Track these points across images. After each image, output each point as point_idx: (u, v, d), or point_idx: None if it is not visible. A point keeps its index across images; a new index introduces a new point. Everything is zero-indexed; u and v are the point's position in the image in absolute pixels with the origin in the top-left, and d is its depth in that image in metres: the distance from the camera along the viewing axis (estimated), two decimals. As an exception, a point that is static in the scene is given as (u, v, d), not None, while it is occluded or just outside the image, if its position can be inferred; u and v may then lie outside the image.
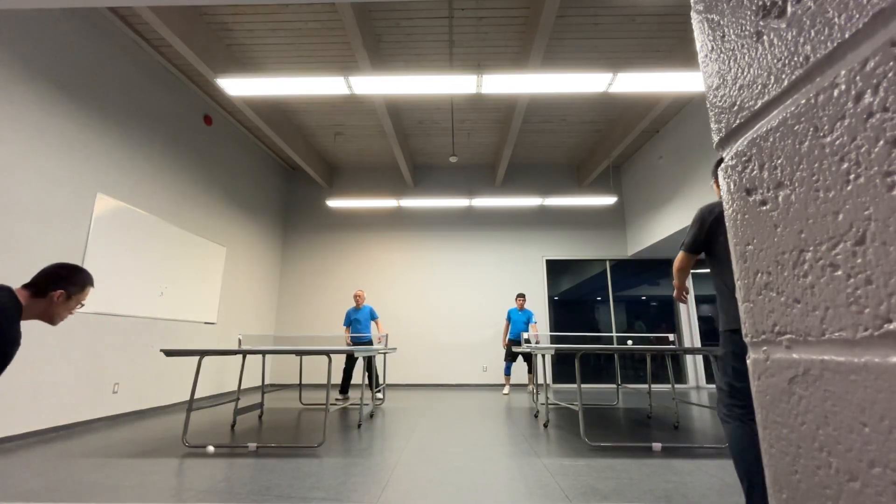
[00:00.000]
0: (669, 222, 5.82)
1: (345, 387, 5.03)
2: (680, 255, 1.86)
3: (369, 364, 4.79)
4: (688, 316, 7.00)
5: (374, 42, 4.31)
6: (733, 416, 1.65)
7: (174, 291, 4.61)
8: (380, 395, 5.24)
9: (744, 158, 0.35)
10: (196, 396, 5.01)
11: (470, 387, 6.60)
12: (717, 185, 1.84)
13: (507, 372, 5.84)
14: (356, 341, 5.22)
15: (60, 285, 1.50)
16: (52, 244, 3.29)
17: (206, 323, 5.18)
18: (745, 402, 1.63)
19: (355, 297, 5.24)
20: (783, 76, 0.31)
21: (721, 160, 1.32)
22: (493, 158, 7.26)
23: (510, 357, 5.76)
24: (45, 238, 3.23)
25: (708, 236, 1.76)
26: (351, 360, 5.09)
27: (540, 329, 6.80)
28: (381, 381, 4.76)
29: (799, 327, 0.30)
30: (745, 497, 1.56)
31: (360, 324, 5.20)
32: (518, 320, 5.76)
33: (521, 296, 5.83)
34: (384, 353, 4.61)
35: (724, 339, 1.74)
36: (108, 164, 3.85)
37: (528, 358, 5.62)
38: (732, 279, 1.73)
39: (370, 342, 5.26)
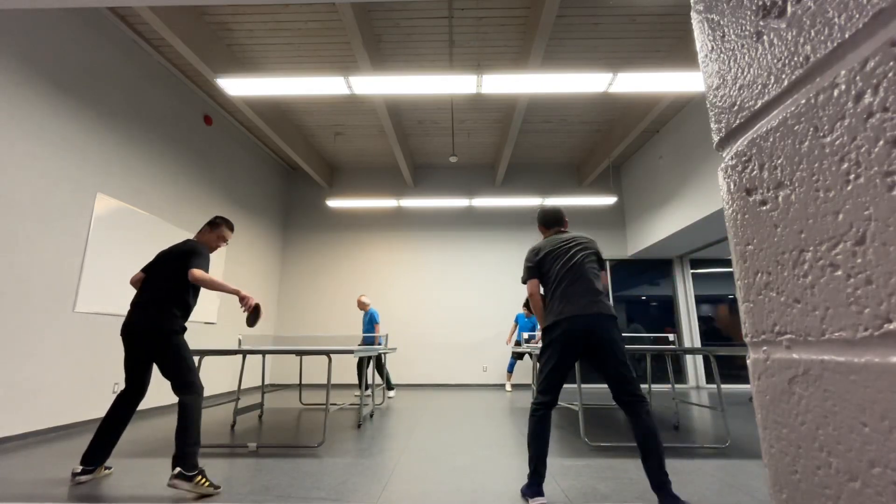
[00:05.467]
0: (669, 222, 5.82)
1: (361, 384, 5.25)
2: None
3: (378, 364, 5.03)
4: (688, 316, 7.00)
5: (374, 42, 4.31)
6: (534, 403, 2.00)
7: (174, 291, 4.61)
8: (391, 395, 5.39)
9: (744, 158, 0.35)
10: (196, 396, 5.01)
11: (470, 387, 6.60)
12: (542, 229, 2.33)
13: (510, 369, 6.13)
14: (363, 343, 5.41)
15: (212, 226, 2.47)
16: (52, 244, 3.29)
17: (206, 323, 5.18)
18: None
19: (357, 303, 5.37)
20: (783, 76, 0.31)
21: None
22: (493, 158, 7.26)
23: (518, 356, 6.06)
24: (45, 238, 3.23)
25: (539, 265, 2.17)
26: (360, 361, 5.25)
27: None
28: (370, 381, 5.00)
29: (799, 327, 0.30)
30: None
31: (365, 327, 5.37)
32: (524, 326, 6.05)
33: (527, 304, 5.98)
34: (384, 353, 4.61)
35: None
36: (108, 164, 3.85)
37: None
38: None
39: (370, 344, 5.31)
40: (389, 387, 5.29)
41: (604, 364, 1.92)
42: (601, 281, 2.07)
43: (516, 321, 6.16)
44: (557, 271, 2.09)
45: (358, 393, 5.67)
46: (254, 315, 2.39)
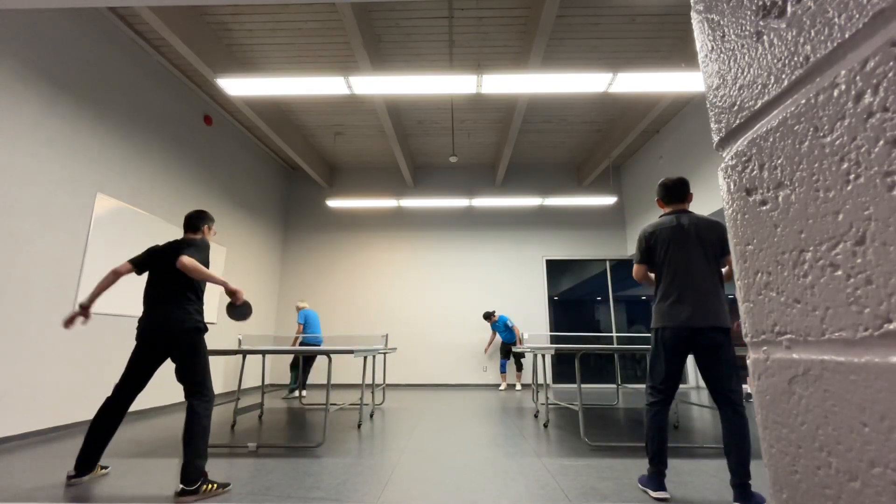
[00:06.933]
0: (669, 222, 5.81)
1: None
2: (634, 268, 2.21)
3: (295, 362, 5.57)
4: (688, 316, 6.99)
5: (374, 42, 4.31)
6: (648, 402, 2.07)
7: (174, 291, 4.61)
8: (304, 394, 5.45)
9: (744, 158, 0.35)
10: (196, 396, 5.01)
11: (470, 387, 6.60)
12: (661, 203, 2.20)
13: (503, 370, 6.38)
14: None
15: (205, 222, 2.38)
16: (52, 244, 3.29)
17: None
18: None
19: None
20: (783, 76, 0.31)
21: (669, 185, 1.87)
22: (493, 158, 7.26)
23: (504, 355, 6.40)
24: (45, 238, 3.23)
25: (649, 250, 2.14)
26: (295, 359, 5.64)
27: (540, 329, 6.88)
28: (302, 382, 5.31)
29: (799, 327, 0.30)
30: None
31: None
32: (499, 330, 6.43)
33: (487, 316, 6.38)
34: (384, 353, 4.61)
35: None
36: (108, 164, 3.85)
37: (518, 357, 6.35)
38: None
39: (305, 344, 5.43)
40: (299, 387, 5.20)
41: (701, 364, 1.94)
42: (717, 277, 1.94)
43: (493, 329, 6.55)
44: (668, 266, 2.00)
45: (287, 394, 5.66)
46: (241, 309, 2.32)
